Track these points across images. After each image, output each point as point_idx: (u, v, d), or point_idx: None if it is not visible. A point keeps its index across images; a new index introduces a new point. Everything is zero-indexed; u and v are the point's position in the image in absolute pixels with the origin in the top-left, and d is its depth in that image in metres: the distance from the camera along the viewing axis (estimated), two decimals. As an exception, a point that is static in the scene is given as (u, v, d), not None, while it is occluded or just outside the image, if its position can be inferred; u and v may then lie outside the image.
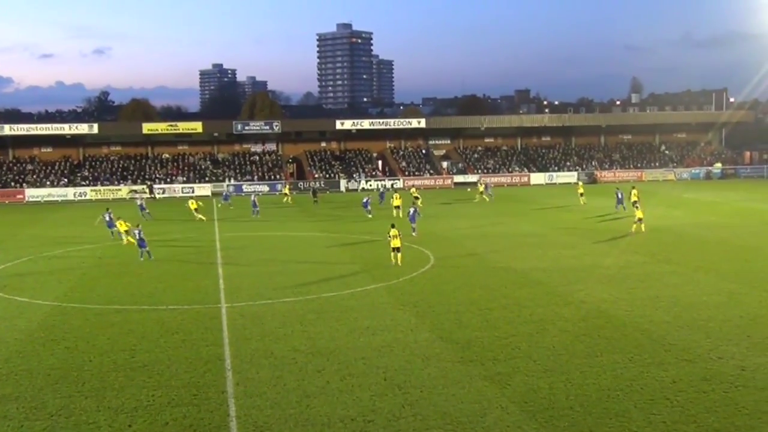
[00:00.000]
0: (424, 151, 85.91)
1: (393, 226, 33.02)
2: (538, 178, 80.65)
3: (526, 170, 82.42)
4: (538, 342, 20.61)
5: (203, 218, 50.78)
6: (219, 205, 59.49)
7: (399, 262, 31.77)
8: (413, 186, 67.09)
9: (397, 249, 31.91)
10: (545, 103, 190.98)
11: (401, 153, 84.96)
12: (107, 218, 42.22)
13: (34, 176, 75.30)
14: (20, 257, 36.67)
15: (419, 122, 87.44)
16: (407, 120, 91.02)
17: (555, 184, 78.92)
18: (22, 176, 75.23)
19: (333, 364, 19.06)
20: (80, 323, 23.86)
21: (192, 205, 52.36)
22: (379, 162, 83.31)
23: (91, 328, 23.26)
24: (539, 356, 19.33)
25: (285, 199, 63.78)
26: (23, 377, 18.54)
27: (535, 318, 23.22)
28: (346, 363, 19.11)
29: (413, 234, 40.10)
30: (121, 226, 40.27)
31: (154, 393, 17.22)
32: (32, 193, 71.61)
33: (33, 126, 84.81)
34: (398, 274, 30.19)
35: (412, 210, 42.47)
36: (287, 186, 68.77)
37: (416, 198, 52.45)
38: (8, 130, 77.05)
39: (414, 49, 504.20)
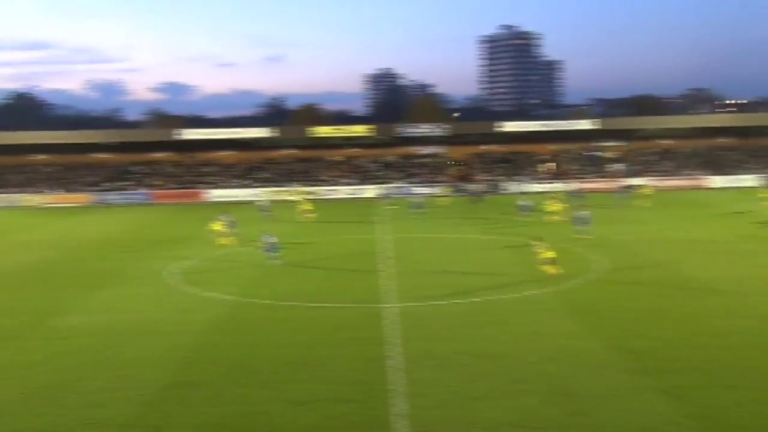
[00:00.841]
0: (593, 154, 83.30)
1: (539, 239, 31.23)
2: (717, 181, 75.98)
3: (704, 173, 77.88)
4: (720, 356, 19.34)
5: (312, 216, 53.20)
6: (408, 209, 60.29)
7: (555, 271, 29.75)
8: (562, 190, 65.31)
9: (550, 260, 29.89)
10: (725, 102, 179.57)
11: (569, 156, 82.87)
12: (226, 220, 43.89)
13: (215, 178, 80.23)
14: (205, 253, 39.02)
15: (588, 123, 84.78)
16: (576, 121, 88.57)
17: (736, 187, 73.98)
18: (204, 178, 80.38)
19: (499, 368, 18.87)
20: (257, 318, 25.11)
21: (304, 205, 54.42)
22: (547, 164, 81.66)
23: (266, 322, 24.42)
24: (721, 371, 18.13)
25: (443, 201, 64.20)
26: (207, 366, 19.74)
27: (715, 330, 21.84)
28: (512, 368, 18.85)
29: (582, 237, 39.02)
30: (215, 225, 42.72)
31: (322, 387, 17.77)
32: (213, 194, 76.25)
33: (214, 131, 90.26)
34: (567, 279, 29.38)
35: (582, 213, 41.29)
36: (448, 188, 69.29)
37: (564, 202, 51.56)
38: (192, 134, 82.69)
39: (584, 48, 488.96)
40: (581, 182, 74.42)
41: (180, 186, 78.23)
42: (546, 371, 18.49)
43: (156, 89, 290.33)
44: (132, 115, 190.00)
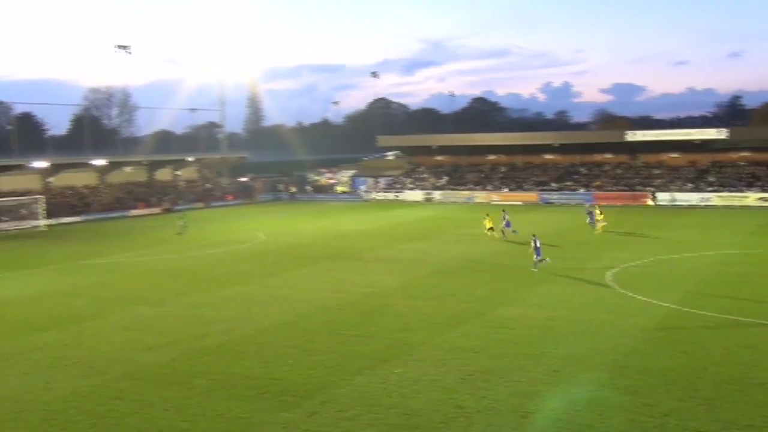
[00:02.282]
0: None
1: None
2: None
3: None
4: None
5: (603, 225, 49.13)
6: None
7: None
8: None
9: None
10: None
11: None
12: (505, 218, 46.63)
13: (661, 180, 77.47)
14: (643, 258, 38.04)
15: None
16: None
17: None
18: (650, 180, 78.13)
19: None
20: (696, 329, 23.66)
21: (599, 216, 50.04)
22: None
23: (706, 336, 22.87)
24: None
25: None
26: (639, 373, 19.16)
27: None
28: None
29: None
30: (488, 222, 46.39)
31: (769, 414, 16.04)
32: (659, 197, 73.73)
33: (661, 132, 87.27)
34: None
35: None
36: None
37: None
38: (638, 136, 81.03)
39: None
40: None
41: (627, 188, 77.23)
42: None
43: (605, 91, 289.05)
44: (579, 117, 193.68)
